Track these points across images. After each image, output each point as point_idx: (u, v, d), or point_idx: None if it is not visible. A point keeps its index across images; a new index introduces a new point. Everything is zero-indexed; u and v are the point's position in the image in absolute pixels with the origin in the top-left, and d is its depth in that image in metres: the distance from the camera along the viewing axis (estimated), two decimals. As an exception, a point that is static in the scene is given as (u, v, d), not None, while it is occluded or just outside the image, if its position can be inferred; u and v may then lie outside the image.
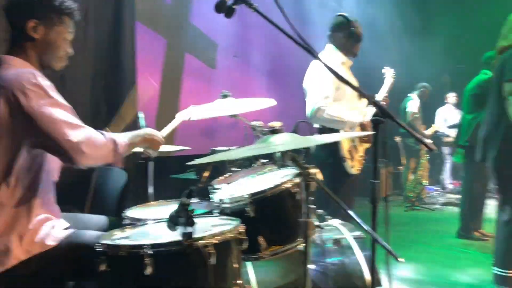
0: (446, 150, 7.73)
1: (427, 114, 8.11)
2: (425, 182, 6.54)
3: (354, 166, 3.31)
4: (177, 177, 3.34)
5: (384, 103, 3.43)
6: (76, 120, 1.62)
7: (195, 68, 4.77)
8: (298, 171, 1.54)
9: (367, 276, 1.78)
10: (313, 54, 1.65)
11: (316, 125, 3.16)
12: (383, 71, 3.71)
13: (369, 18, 7.63)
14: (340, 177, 3.23)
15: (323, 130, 3.11)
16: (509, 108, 2.93)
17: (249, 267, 1.84)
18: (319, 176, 1.46)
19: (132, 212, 2.04)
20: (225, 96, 2.22)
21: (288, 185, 1.67)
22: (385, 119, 1.75)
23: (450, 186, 8.00)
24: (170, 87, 4.51)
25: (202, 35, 4.84)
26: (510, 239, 3.05)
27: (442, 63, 8.60)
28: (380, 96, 3.47)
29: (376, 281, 1.76)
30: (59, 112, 1.58)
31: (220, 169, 2.30)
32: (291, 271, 1.91)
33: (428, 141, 6.83)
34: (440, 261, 4.00)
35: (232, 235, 1.44)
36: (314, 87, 3.07)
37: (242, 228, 1.48)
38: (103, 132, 1.69)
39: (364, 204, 6.67)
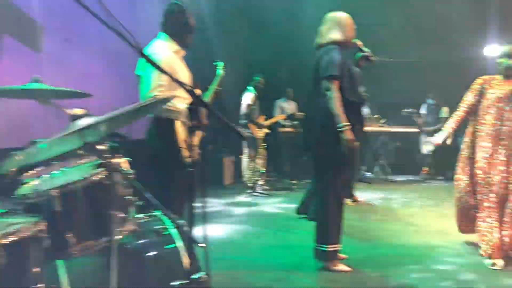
0: (285, 139, 8.25)
1: (268, 105, 8.60)
2: (262, 169, 6.92)
3: (189, 156, 3.30)
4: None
5: (216, 94, 3.51)
6: None
7: (16, 51, 4.28)
8: (101, 162, 1.47)
9: (187, 264, 1.79)
10: (132, 45, 1.58)
11: (150, 114, 3.08)
12: (214, 64, 3.76)
13: (208, 11, 7.80)
14: (176, 167, 3.18)
15: (158, 120, 3.04)
16: (329, 102, 3.23)
17: (61, 266, 1.70)
18: (126, 166, 1.40)
19: None
20: (35, 81, 2.01)
21: (99, 176, 1.58)
22: (201, 108, 1.77)
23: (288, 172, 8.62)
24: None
25: (24, 16, 4.36)
26: (326, 217, 3.38)
27: (281, 56, 9.19)
28: (212, 87, 3.53)
29: (195, 268, 1.77)
30: None
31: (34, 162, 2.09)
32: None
33: (262, 131, 7.24)
34: (272, 242, 4.27)
35: (28, 233, 1.31)
36: (148, 75, 2.98)
37: (41, 225, 1.36)
38: None
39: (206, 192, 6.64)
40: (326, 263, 3.41)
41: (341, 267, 3.41)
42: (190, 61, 3.28)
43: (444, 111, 8.72)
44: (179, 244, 1.84)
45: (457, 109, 3.90)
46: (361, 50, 3.60)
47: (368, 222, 5.18)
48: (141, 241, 1.83)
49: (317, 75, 3.31)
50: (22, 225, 1.34)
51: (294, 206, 5.73)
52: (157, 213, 2.04)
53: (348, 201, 5.83)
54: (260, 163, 6.95)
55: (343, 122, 3.18)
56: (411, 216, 5.52)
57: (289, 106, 8.26)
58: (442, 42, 8.77)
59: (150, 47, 3.03)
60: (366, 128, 8.10)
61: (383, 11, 8.84)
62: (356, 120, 3.39)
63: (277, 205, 6.21)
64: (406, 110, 8.88)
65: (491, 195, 3.53)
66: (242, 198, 6.67)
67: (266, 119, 7.38)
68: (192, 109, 1.74)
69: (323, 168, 3.42)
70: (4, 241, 1.22)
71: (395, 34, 8.80)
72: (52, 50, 4.70)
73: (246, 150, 7.31)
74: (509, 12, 7.81)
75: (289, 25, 8.48)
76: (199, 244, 1.49)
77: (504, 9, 8.10)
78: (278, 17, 8.67)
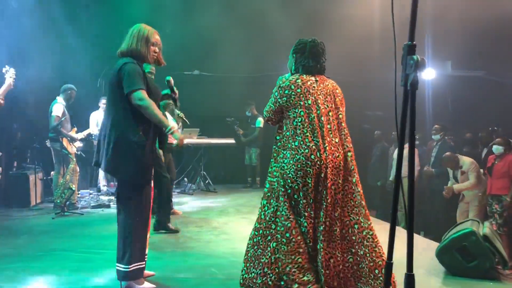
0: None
1: (83, 117, 8.08)
2: (73, 186, 6.40)
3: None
4: None
5: None
6: None
7: None
8: None
9: None
10: None
11: None
12: (3, 70, 3.34)
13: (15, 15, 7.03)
14: None
15: None
16: (146, 112, 3.12)
17: None
18: None
19: None
20: None
21: None
22: None
23: (105, 189, 8.19)
24: None
25: None
26: (128, 235, 3.23)
27: (96, 66, 8.72)
28: None
29: None
30: None
31: None
32: None
33: (77, 143, 6.79)
34: (74, 265, 3.93)
35: None
36: None
37: None
38: None
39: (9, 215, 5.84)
40: (128, 282, 3.27)
41: (145, 285, 3.31)
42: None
43: (261, 121, 9.32)
44: None
45: None
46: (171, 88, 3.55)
47: (183, 233, 5.18)
48: None
49: (116, 86, 3.17)
50: None
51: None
52: None
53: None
54: (71, 180, 6.43)
55: (167, 124, 3.17)
56: (225, 225, 5.72)
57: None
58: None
59: None
60: (188, 140, 8.26)
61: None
62: (161, 132, 3.36)
63: (88, 224, 5.81)
64: (228, 119, 9.29)
65: None
66: (49, 219, 6.05)
67: (77, 132, 6.91)
68: None
69: (124, 185, 3.28)
70: None
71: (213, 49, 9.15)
72: None
73: (56, 166, 6.73)
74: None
75: (106, 32, 8.12)
76: None
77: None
78: (90, 21, 8.24)
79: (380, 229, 5.64)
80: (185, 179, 9.07)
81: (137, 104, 3.10)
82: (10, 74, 3.29)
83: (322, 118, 3.08)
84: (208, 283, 3.44)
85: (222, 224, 5.75)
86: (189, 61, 9.15)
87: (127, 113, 3.15)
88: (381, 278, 2.94)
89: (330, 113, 3.13)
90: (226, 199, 7.90)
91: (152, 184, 3.38)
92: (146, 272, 3.43)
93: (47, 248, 4.54)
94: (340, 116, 3.18)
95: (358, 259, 3.03)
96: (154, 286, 3.33)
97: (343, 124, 3.17)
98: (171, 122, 3.22)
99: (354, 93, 9.26)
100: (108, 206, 6.96)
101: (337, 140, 3.10)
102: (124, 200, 3.26)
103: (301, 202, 3.01)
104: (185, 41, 8.57)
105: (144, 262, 3.33)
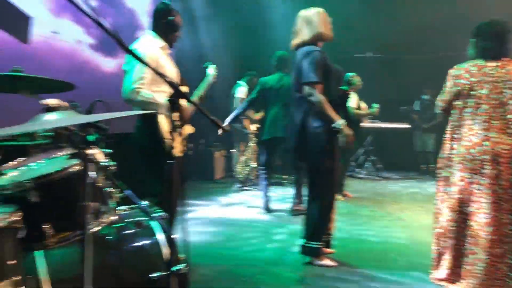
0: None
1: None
2: (253, 164, 6.91)
3: (176, 148, 3.29)
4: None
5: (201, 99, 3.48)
6: None
7: (2, 42, 4.25)
8: (75, 152, 1.46)
9: (167, 256, 1.79)
10: (116, 40, 1.57)
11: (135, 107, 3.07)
12: (204, 66, 3.68)
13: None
14: (163, 160, 3.17)
15: (142, 114, 3.04)
16: (315, 107, 3.24)
17: (40, 257, 1.69)
18: (100, 156, 1.39)
19: None
20: (16, 71, 1.99)
21: (78, 168, 1.57)
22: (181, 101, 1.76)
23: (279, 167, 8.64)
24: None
25: (10, 6, 4.33)
26: (318, 216, 3.39)
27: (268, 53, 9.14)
28: (201, 90, 3.48)
29: (174, 260, 1.77)
30: None
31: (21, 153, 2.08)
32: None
33: (254, 126, 7.24)
34: (256, 235, 4.27)
35: (3, 224, 1.30)
36: (132, 69, 2.98)
37: (17, 216, 1.35)
38: None
39: (197, 186, 6.70)
40: (312, 258, 3.43)
41: (326, 261, 3.43)
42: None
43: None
44: (160, 235, 1.83)
45: None
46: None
47: (357, 216, 5.20)
48: (121, 233, 1.82)
49: (299, 79, 3.31)
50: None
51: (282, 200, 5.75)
52: (140, 204, 2.04)
53: (338, 196, 5.86)
54: (250, 157, 6.95)
55: (337, 120, 3.20)
56: (400, 211, 5.55)
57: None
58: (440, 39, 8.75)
59: (136, 43, 3.06)
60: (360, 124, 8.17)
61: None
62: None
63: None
64: (402, 107, 8.93)
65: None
66: (232, 192, 6.67)
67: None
68: (173, 102, 1.73)
69: (317, 171, 3.40)
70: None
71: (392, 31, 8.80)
72: (39, 41, 4.70)
73: (237, 145, 7.32)
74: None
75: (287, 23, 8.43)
76: (174, 236, 1.48)
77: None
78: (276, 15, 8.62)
79: None
80: (352, 163, 9.01)
81: (307, 96, 3.24)
82: (212, 70, 3.59)
83: (498, 109, 2.77)
84: (390, 268, 3.38)
85: (396, 211, 5.59)
86: (360, 42, 8.93)
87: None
88: None
89: (511, 102, 2.76)
90: (398, 186, 7.65)
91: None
92: (326, 249, 3.55)
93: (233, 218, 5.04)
94: None
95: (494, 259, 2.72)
96: (335, 264, 3.43)
97: None
98: (340, 120, 3.21)
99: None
100: (283, 184, 7.33)
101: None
102: (312, 183, 3.44)
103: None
104: (355, 21, 8.40)
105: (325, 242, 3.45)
